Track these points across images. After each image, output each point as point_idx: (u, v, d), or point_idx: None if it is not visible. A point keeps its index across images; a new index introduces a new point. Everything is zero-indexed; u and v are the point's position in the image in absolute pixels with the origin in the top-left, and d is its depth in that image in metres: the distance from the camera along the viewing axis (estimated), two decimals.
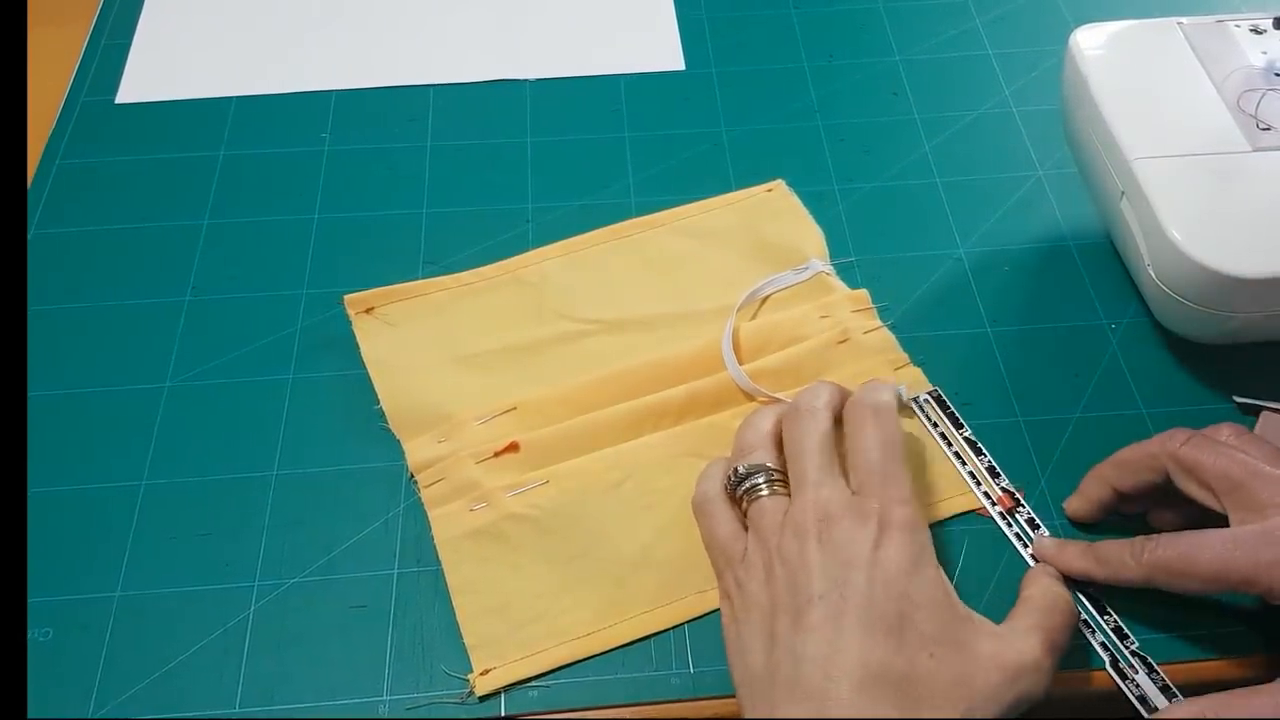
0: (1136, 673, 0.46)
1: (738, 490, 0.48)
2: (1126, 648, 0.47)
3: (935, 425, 0.54)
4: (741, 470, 0.48)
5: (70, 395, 0.56)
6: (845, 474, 0.47)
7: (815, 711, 0.40)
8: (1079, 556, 0.48)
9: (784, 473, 0.48)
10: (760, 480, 0.47)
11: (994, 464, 0.52)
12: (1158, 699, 0.45)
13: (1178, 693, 0.45)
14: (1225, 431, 0.47)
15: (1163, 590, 0.46)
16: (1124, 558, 0.46)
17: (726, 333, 0.56)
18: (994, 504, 0.51)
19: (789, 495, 0.47)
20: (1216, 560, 0.43)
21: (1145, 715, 0.45)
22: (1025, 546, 0.50)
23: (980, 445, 0.53)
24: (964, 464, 0.52)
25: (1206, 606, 0.48)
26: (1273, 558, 0.42)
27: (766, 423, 0.50)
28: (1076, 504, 0.51)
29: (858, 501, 0.45)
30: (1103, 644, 0.47)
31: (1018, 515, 0.51)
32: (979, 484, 0.52)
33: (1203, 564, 0.44)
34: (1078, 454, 0.53)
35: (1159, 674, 0.46)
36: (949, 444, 0.53)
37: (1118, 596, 0.48)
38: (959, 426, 0.53)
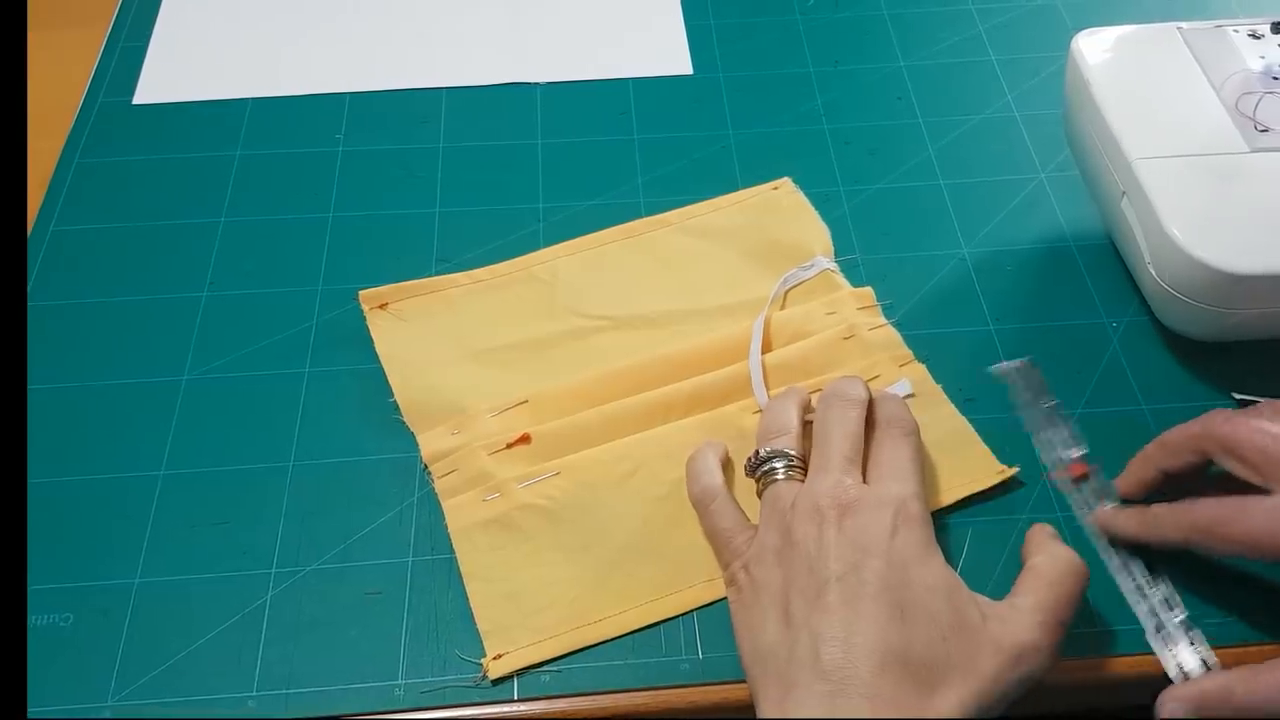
0: (1178, 643, 0.47)
1: (756, 471, 0.49)
2: (1173, 618, 0.48)
3: (1023, 392, 0.55)
4: (763, 453, 0.49)
5: (90, 388, 0.57)
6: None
7: (835, 690, 0.40)
8: (1129, 519, 0.49)
9: (803, 460, 0.49)
10: (779, 465, 0.49)
11: (1072, 433, 0.54)
12: (1196, 671, 0.46)
13: (1216, 666, 0.47)
14: (1266, 410, 0.48)
15: (1205, 554, 0.47)
16: (1167, 518, 0.47)
17: (757, 327, 0.57)
18: (1066, 471, 0.53)
19: (803, 482, 0.48)
20: (1254, 526, 0.44)
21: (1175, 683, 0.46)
22: (1088, 513, 0.52)
23: (1063, 414, 0.55)
24: (1042, 431, 0.54)
25: (1260, 589, 0.50)
26: None
27: (793, 408, 0.52)
28: (1125, 484, 0.52)
29: (876, 492, 0.46)
30: (1149, 611, 0.49)
31: (1085, 485, 0.52)
32: (1054, 449, 0.54)
33: (1239, 529, 0.45)
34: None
35: (1201, 646, 0.47)
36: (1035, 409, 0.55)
37: (1174, 570, 0.50)
38: (1044, 396, 0.55)
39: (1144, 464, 0.51)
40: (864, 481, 0.47)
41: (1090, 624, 0.49)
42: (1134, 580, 0.49)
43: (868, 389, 0.51)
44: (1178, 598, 0.49)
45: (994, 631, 0.43)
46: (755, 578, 0.46)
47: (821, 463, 0.48)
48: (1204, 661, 0.47)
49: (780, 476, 0.48)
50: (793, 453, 0.49)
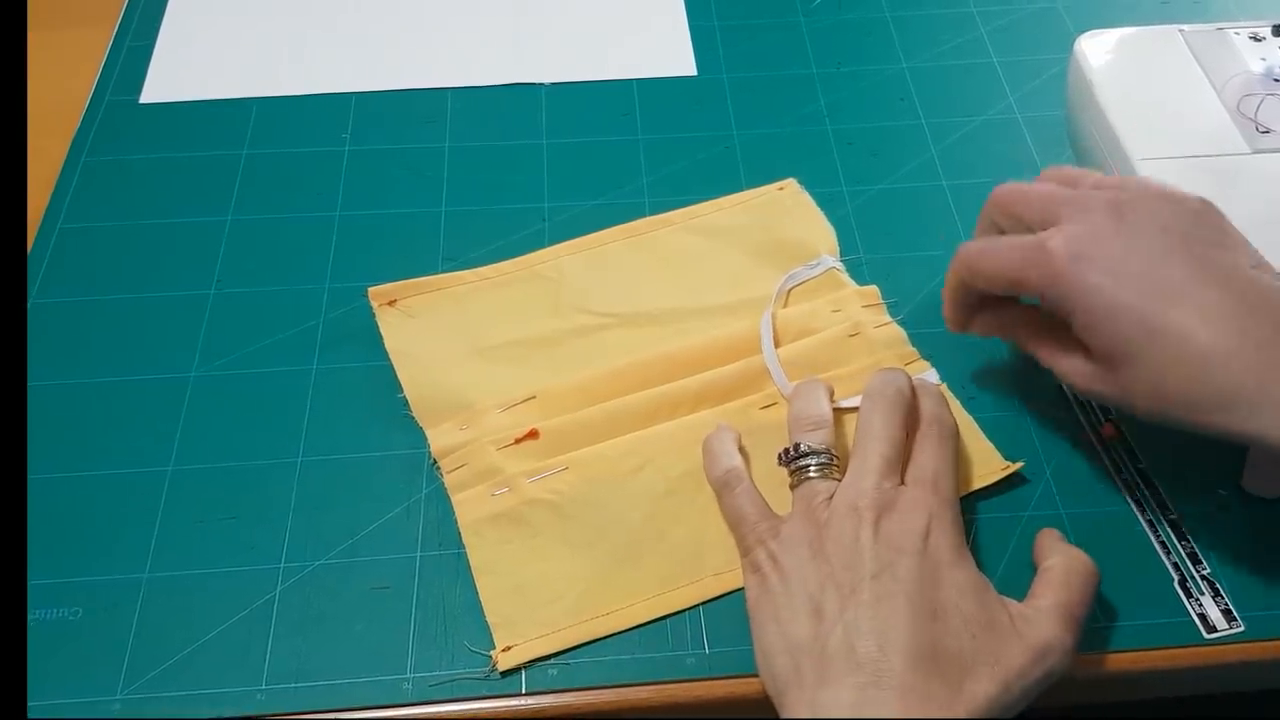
0: (1203, 594, 0.49)
1: (792, 464, 0.50)
2: (1197, 571, 0.50)
3: None
4: (803, 448, 0.50)
5: (99, 384, 0.57)
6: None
7: (868, 682, 0.41)
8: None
9: (838, 458, 0.50)
10: (812, 462, 0.49)
11: None
12: (1219, 621, 0.48)
13: (1238, 617, 0.48)
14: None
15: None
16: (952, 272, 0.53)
17: (765, 320, 0.57)
18: (1097, 434, 0.55)
19: (838, 480, 0.49)
20: (1001, 259, 0.50)
21: (1204, 634, 0.48)
22: (1120, 474, 0.53)
23: None
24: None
25: None
26: (1039, 261, 0.48)
27: (824, 396, 0.53)
28: (949, 316, 0.56)
29: (913, 496, 0.47)
30: (1174, 564, 0.50)
31: (1116, 445, 0.55)
32: (1088, 414, 0.56)
33: (987, 262, 0.50)
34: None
35: (1223, 598, 0.49)
36: None
37: (1204, 531, 0.51)
38: None
39: (948, 288, 0.55)
40: (901, 481, 0.48)
41: (1093, 619, 0.49)
42: (1161, 537, 0.51)
43: (911, 384, 0.52)
44: (1199, 555, 0.50)
45: (1020, 629, 0.44)
46: (784, 567, 0.46)
47: (861, 463, 0.48)
48: (1228, 612, 0.48)
49: (814, 475, 0.49)
50: (828, 450, 0.50)
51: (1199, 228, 0.47)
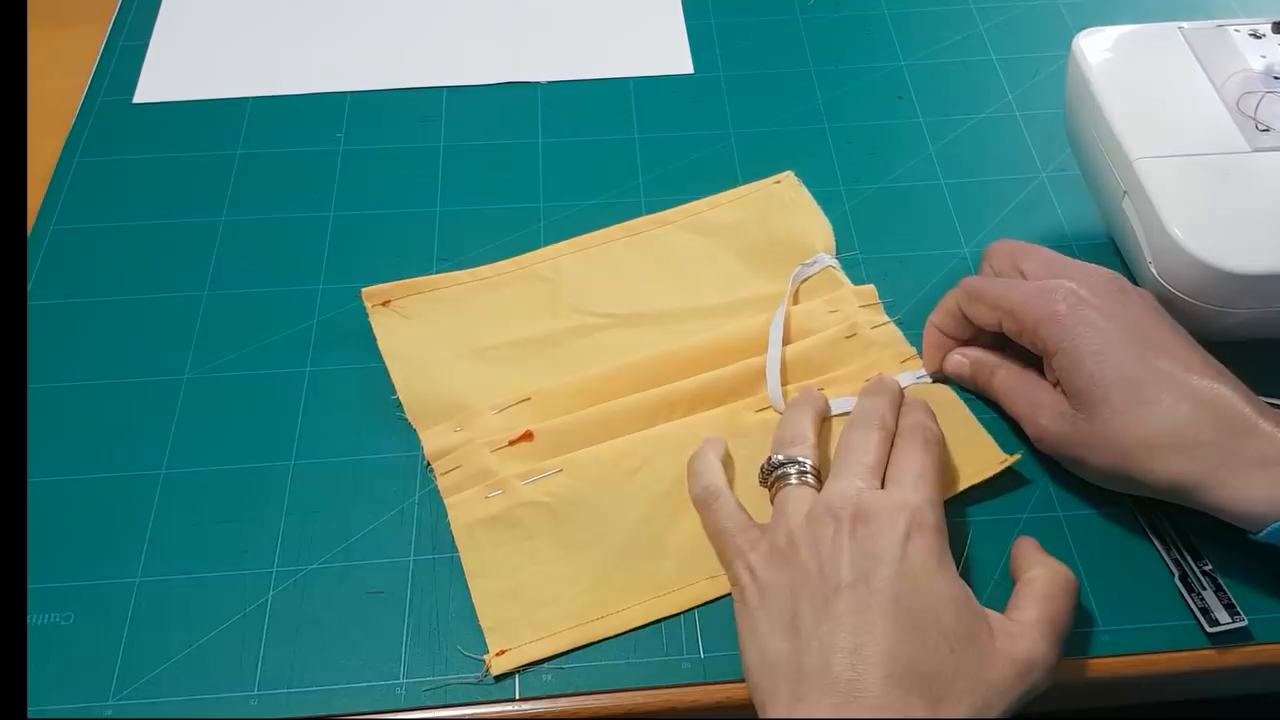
0: (1205, 589, 0.49)
1: (769, 477, 0.50)
2: (1199, 567, 0.50)
3: None
4: (775, 460, 0.50)
5: (91, 387, 0.57)
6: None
7: (844, 702, 0.40)
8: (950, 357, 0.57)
9: (816, 468, 0.49)
10: (791, 470, 0.49)
11: None
12: (1220, 613, 0.48)
13: (1240, 610, 0.48)
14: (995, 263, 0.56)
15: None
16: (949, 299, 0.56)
17: (775, 326, 0.57)
18: None
19: (816, 489, 0.48)
20: (1003, 291, 0.52)
21: (1207, 628, 0.48)
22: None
23: None
24: None
25: None
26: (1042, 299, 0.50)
27: (808, 418, 0.52)
28: (929, 364, 0.57)
29: (891, 498, 0.46)
30: (1175, 560, 0.50)
31: None
32: None
33: (991, 291, 0.52)
34: None
35: (1225, 592, 0.49)
36: None
37: (1205, 530, 0.50)
38: None
39: (938, 311, 0.57)
40: (882, 489, 0.48)
41: (1089, 623, 0.49)
42: (1161, 533, 0.51)
43: (897, 392, 0.52)
44: (1200, 551, 0.50)
45: (1002, 645, 0.43)
46: (761, 580, 0.46)
47: (840, 469, 0.48)
48: (1230, 606, 0.48)
49: (793, 481, 0.49)
50: (806, 460, 0.49)
51: (1179, 331, 0.51)
